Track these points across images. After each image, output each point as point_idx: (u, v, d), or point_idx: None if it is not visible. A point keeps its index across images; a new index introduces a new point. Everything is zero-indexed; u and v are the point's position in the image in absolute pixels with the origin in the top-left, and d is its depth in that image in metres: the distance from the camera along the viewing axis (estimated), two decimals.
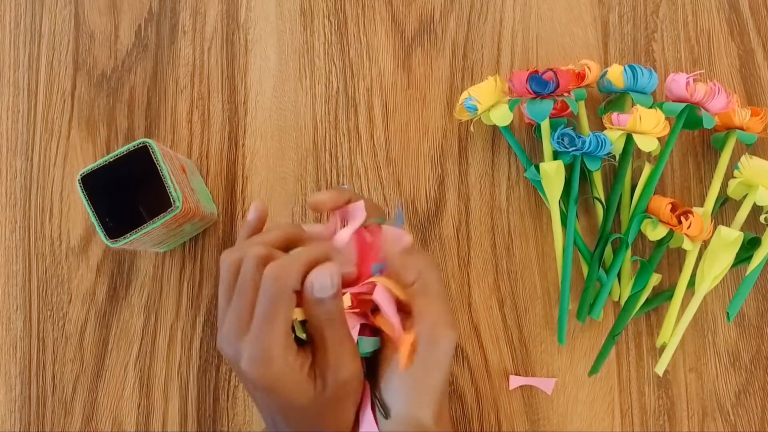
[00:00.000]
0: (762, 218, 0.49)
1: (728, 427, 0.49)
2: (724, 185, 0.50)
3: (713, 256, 0.46)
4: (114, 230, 0.46)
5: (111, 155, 0.46)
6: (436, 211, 0.52)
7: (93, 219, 0.46)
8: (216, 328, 0.51)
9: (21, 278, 0.53)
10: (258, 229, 0.41)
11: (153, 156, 0.46)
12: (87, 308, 0.52)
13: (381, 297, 0.38)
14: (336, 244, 0.40)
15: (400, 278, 0.39)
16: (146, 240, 0.47)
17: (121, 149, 0.46)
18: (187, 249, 0.53)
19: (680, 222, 0.46)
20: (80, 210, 0.54)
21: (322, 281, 0.36)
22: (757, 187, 0.47)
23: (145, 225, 0.45)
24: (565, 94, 0.48)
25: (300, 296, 0.37)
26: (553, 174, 0.48)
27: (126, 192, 0.49)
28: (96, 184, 0.46)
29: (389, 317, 0.38)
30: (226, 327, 0.38)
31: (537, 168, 0.49)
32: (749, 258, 0.48)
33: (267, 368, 0.36)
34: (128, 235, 0.45)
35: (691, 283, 0.48)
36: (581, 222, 0.51)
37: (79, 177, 0.46)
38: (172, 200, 0.46)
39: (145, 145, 0.46)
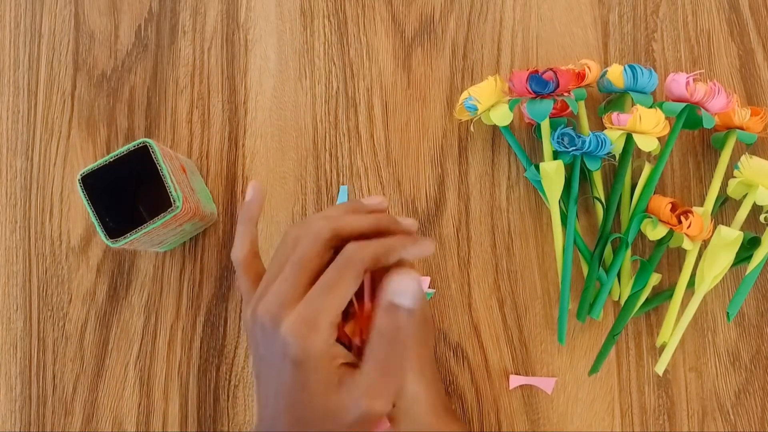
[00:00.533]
0: (762, 218, 0.49)
1: (728, 427, 0.49)
2: (724, 185, 0.50)
3: (713, 255, 0.46)
4: (114, 230, 0.46)
5: (111, 155, 0.46)
6: (436, 211, 0.52)
7: (93, 219, 0.46)
8: (219, 325, 0.51)
9: (21, 278, 0.53)
10: (257, 209, 0.41)
11: (153, 156, 0.46)
12: (87, 308, 0.52)
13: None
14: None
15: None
16: (146, 240, 0.47)
17: (121, 149, 0.46)
18: (187, 249, 0.53)
19: (680, 222, 0.47)
20: (80, 210, 0.54)
21: (405, 286, 0.36)
22: (757, 186, 0.47)
23: (145, 225, 0.45)
24: (565, 94, 0.48)
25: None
26: (553, 174, 0.48)
27: (126, 192, 0.50)
28: (96, 184, 0.46)
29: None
30: (273, 294, 0.36)
31: (537, 168, 0.49)
32: (749, 258, 0.48)
33: (310, 333, 0.35)
34: (128, 235, 0.45)
35: (691, 283, 0.48)
36: (581, 222, 0.51)
37: (79, 177, 0.46)
38: (172, 200, 0.46)
39: (145, 145, 0.46)
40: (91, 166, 0.46)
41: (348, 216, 0.39)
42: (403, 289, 0.35)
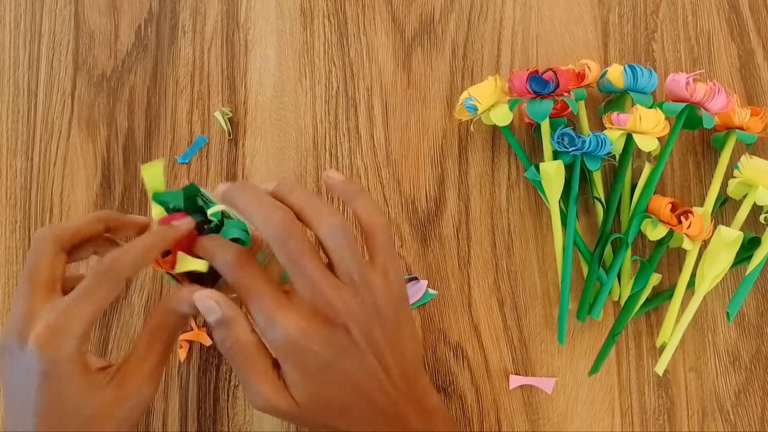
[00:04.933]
0: (762, 218, 0.49)
1: (728, 427, 0.49)
2: (724, 185, 0.50)
3: (713, 255, 0.46)
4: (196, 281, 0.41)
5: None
6: (436, 211, 0.52)
7: (167, 277, 0.42)
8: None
9: None
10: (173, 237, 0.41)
11: (202, 197, 0.41)
12: None
13: None
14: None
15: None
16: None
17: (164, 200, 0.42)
18: None
19: (680, 222, 0.47)
20: (80, 210, 0.54)
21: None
22: (757, 186, 0.47)
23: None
24: (565, 94, 0.48)
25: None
26: (553, 174, 0.48)
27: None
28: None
29: None
30: (12, 315, 0.36)
31: (537, 168, 0.49)
32: (749, 258, 0.48)
33: (58, 341, 0.35)
34: (217, 283, 0.41)
35: (691, 283, 0.48)
36: (581, 222, 0.51)
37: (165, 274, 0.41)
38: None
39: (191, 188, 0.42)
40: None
41: (71, 220, 0.40)
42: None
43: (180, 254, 0.40)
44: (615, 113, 0.48)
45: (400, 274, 0.40)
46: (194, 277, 0.41)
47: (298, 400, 0.37)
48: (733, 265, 0.48)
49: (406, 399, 0.39)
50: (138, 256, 0.38)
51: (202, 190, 0.42)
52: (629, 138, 0.48)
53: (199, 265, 0.40)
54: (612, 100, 0.53)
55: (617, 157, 0.50)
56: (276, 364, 0.38)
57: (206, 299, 0.37)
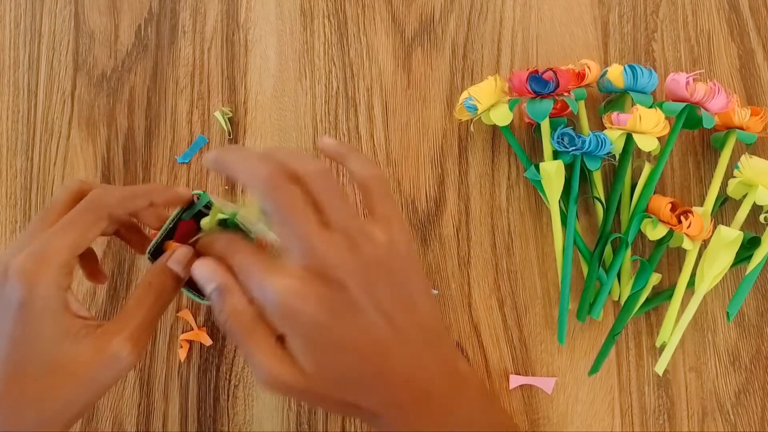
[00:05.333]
0: (762, 218, 0.49)
1: (728, 427, 0.49)
2: (724, 185, 0.50)
3: (713, 255, 0.46)
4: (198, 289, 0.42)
5: (170, 220, 0.42)
6: (436, 211, 0.52)
7: (185, 290, 0.42)
8: (216, 325, 0.51)
9: None
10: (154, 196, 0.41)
11: (211, 206, 0.42)
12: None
13: None
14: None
15: None
16: None
17: (176, 212, 0.43)
18: None
19: (680, 221, 0.47)
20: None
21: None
22: (757, 186, 0.47)
23: None
24: (565, 94, 0.48)
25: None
26: (553, 174, 0.48)
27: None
28: (159, 253, 0.42)
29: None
30: (9, 246, 0.36)
31: (537, 168, 0.49)
32: (749, 257, 0.48)
33: (38, 270, 0.34)
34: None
35: (691, 283, 0.48)
36: (581, 222, 0.51)
37: (148, 254, 0.42)
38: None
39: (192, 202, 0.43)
40: (155, 240, 0.42)
41: (120, 188, 0.39)
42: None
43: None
44: (615, 113, 0.48)
45: (404, 227, 0.36)
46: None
47: (306, 372, 0.33)
48: (733, 265, 0.48)
49: (426, 362, 0.35)
50: (122, 196, 0.38)
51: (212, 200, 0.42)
52: (629, 138, 0.48)
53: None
54: (612, 100, 0.53)
55: (617, 157, 0.50)
56: (281, 337, 0.35)
57: (203, 266, 0.36)
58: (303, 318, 0.33)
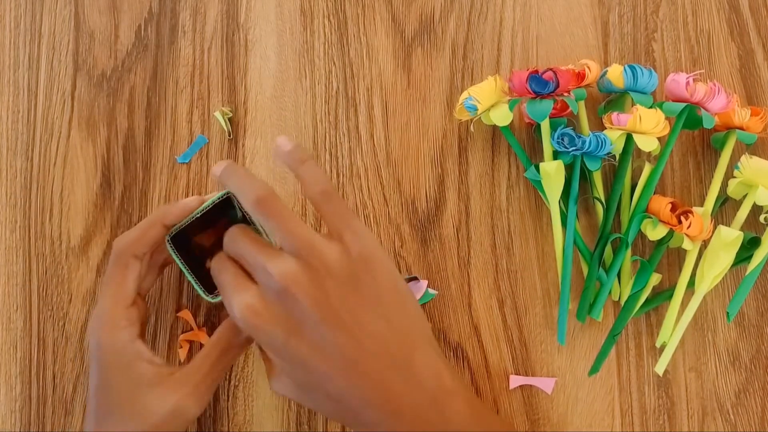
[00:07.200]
0: (762, 218, 0.49)
1: (728, 427, 0.49)
2: (724, 185, 0.50)
3: (713, 255, 0.46)
4: (210, 285, 0.43)
5: (198, 211, 0.44)
6: (436, 211, 0.52)
7: (189, 277, 0.44)
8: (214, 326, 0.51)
9: (21, 278, 0.53)
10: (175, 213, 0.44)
11: (237, 205, 0.43)
12: (87, 308, 0.52)
13: None
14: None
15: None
16: None
17: (207, 203, 0.44)
18: None
19: (680, 222, 0.47)
20: (80, 210, 0.54)
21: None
22: (757, 186, 0.47)
23: None
24: (565, 94, 0.48)
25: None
26: (553, 174, 0.48)
27: (202, 246, 0.46)
28: (182, 241, 0.44)
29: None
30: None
31: (537, 168, 0.49)
32: (749, 258, 0.48)
33: (102, 326, 0.39)
34: None
35: (691, 283, 0.48)
36: (581, 222, 0.51)
37: (168, 238, 0.44)
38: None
39: (229, 197, 0.44)
40: (178, 225, 0.44)
41: (133, 229, 0.43)
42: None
43: None
44: (615, 113, 0.48)
45: (362, 237, 0.36)
46: (194, 262, 0.44)
47: (288, 394, 0.38)
48: (733, 265, 0.48)
49: (389, 384, 0.34)
50: (135, 235, 0.41)
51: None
52: (629, 138, 0.48)
53: None
54: (612, 100, 0.53)
55: (617, 157, 0.50)
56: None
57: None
58: (264, 336, 0.36)
